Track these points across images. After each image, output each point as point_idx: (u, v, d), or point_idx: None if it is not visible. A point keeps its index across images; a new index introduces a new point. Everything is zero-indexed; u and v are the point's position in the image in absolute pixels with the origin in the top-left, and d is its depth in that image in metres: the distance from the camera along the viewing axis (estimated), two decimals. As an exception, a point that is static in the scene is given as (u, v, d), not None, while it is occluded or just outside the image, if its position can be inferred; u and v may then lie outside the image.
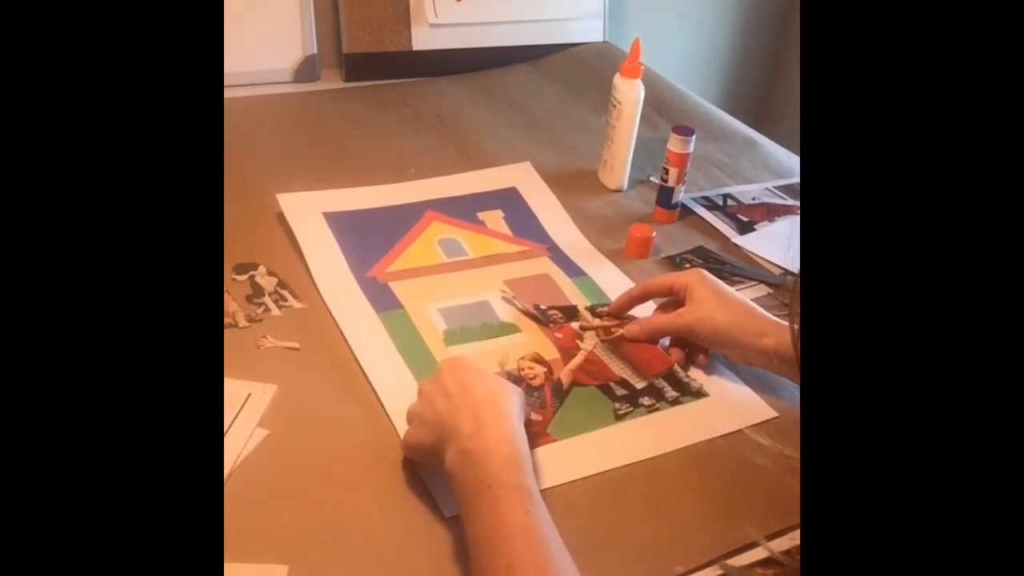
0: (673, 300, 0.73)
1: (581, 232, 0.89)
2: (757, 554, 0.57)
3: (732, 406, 0.68)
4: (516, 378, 0.68)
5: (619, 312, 0.76)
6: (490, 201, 0.92)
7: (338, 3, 1.16)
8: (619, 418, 0.66)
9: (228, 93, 1.06)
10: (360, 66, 1.18)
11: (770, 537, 0.58)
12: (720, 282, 0.71)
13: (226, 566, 0.51)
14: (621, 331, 0.74)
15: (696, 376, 0.71)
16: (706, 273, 0.72)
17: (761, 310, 0.70)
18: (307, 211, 0.85)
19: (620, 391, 0.69)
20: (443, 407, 0.56)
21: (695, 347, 0.73)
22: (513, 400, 0.57)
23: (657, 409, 0.67)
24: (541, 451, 0.63)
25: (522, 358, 0.70)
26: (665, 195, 0.92)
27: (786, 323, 0.68)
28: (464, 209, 0.90)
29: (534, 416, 0.65)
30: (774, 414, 0.68)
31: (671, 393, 0.69)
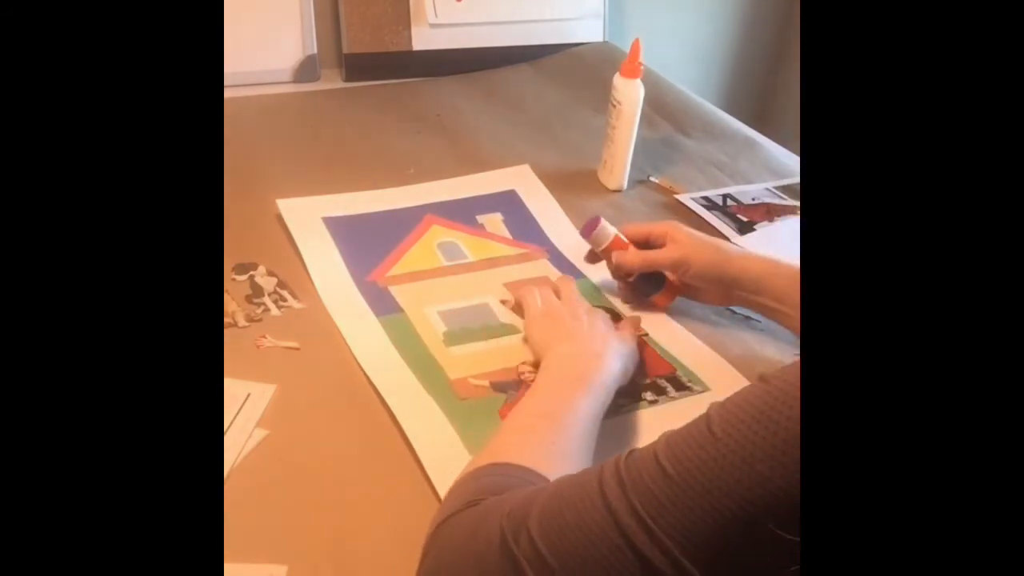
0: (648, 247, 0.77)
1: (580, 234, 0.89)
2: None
3: None
4: (517, 381, 0.68)
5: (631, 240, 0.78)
6: (489, 204, 0.92)
7: (338, 3, 1.16)
8: (619, 413, 0.66)
9: (228, 93, 1.06)
10: (360, 66, 1.18)
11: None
12: (694, 231, 0.76)
13: (226, 566, 0.51)
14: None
15: (698, 373, 0.71)
16: (680, 224, 0.76)
17: (735, 247, 0.76)
18: (307, 216, 0.85)
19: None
20: (569, 323, 0.69)
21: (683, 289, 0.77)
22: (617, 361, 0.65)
23: (658, 403, 0.68)
24: None
25: (523, 363, 0.70)
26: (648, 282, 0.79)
27: (762, 255, 0.74)
28: (463, 212, 0.90)
29: None
30: None
31: (673, 393, 0.69)
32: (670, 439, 0.42)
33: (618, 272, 0.78)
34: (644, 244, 0.77)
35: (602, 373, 0.62)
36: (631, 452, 0.43)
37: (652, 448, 0.42)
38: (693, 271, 0.73)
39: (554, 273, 0.83)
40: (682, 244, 0.74)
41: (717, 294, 0.75)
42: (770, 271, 0.71)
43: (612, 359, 0.64)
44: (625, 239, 0.77)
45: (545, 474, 0.49)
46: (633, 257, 0.76)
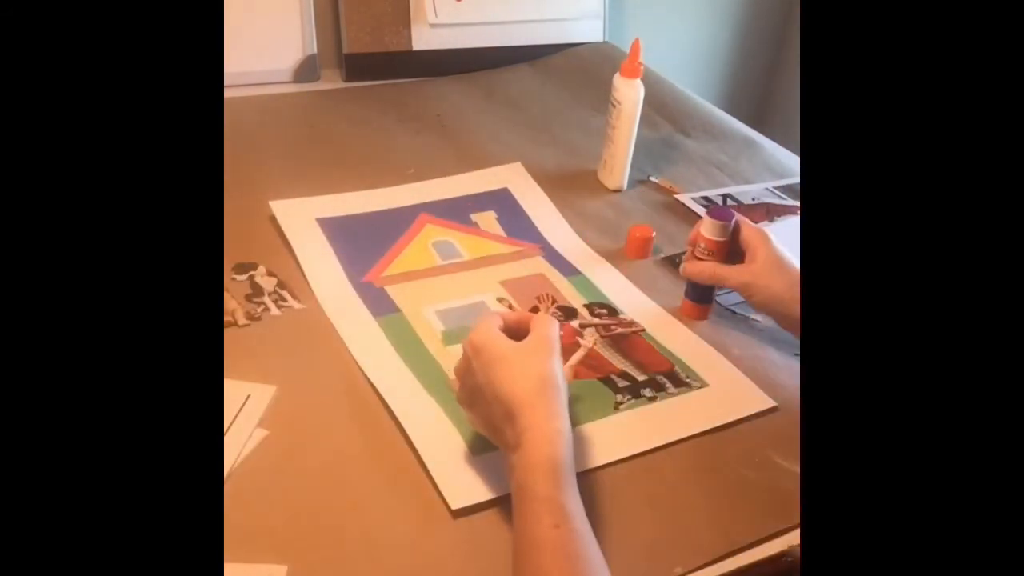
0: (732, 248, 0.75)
1: (579, 232, 0.89)
2: (757, 554, 0.57)
3: (732, 396, 0.69)
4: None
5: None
6: (482, 202, 0.92)
7: (338, 3, 1.16)
8: (619, 409, 0.66)
9: (228, 93, 1.06)
10: (360, 66, 1.18)
11: (770, 537, 0.58)
12: (782, 249, 0.73)
13: (226, 566, 0.51)
14: (620, 329, 0.74)
15: (696, 370, 0.71)
16: (772, 236, 0.74)
17: None
18: (300, 217, 0.85)
19: (622, 383, 0.69)
20: (482, 409, 0.56)
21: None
22: (549, 391, 0.54)
23: (657, 399, 0.68)
24: None
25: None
26: (701, 290, 0.78)
27: None
28: (457, 211, 0.90)
29: None
30: (773, 403, 0.68)
31: (672, 388, 0.69)
32: None
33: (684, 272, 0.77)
34: (733, 242, 0.74)
35: (525, 470, 0.51)
36: None
37: None
38: (756, 299, 0.73)
39: (549, 269, 0.83)
40: (755, 268, 0.72)
41: (782, 323, 0.74)
42: None
43: (535, 437, 0.52)
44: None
45: None
46: (705, 268, 0.75)
